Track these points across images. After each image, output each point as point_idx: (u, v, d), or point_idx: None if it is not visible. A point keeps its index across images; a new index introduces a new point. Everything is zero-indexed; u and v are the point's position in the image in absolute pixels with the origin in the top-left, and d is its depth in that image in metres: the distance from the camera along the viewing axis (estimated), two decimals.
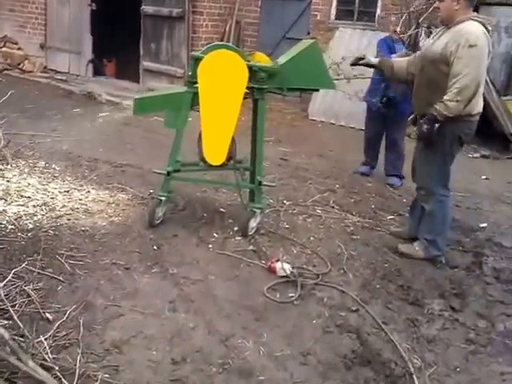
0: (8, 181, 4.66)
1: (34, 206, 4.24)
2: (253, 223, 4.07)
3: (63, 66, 10.16)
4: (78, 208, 4.30)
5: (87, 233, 3.89)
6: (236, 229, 4.13)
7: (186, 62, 8.38)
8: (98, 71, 10.04)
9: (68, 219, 4.10)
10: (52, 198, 4.41)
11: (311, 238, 4.11)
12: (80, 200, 4.46)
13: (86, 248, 3.66)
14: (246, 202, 4.21)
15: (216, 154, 3.89)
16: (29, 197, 4.38)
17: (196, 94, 3.79)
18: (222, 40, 8.75)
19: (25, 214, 4.09)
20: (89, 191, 4.68)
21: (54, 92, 9.15)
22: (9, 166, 5.11)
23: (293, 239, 4.05)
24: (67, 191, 4.61)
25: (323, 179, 5.55)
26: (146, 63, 8.86)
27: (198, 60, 3.74)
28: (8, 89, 9.29)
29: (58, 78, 9.84)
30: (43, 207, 4.23)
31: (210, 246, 3.85)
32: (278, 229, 4.22)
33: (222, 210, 4.49)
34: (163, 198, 4.05)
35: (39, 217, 4.08)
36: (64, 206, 4.31)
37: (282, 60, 3.92)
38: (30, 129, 6.61)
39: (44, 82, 9.63)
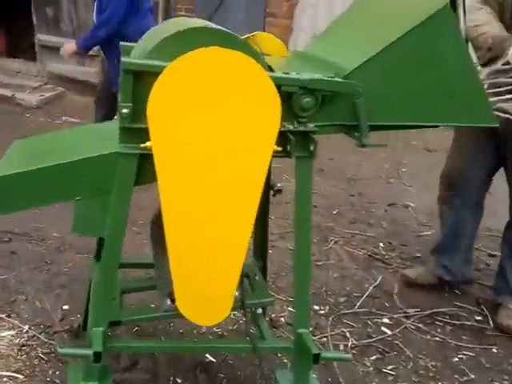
0: None
1: None
2: None
3: None
4: None
5: None
6: None
7: None
8: None
9: None
10: None
11: None
12: None
13: None
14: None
15: (204, 307, 1.69)
16: None
17: (146, 159, 1.58)
18: None
19: None
20: None
21: None
22: None
23: None
24: None
25: None
26: (41, 36, 6.62)
27: (141, 78, 1.51)
28: None
29: None
30: None
31: None
32: None
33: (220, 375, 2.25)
34: None
35: None
36: None
37: (350, 59, 1.70)
38: None
39: None
